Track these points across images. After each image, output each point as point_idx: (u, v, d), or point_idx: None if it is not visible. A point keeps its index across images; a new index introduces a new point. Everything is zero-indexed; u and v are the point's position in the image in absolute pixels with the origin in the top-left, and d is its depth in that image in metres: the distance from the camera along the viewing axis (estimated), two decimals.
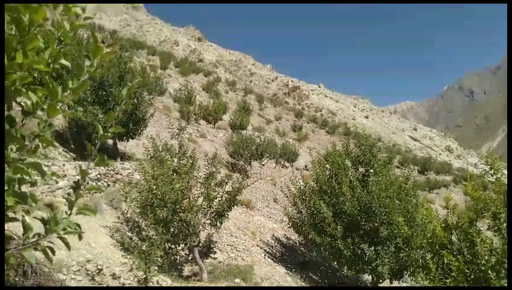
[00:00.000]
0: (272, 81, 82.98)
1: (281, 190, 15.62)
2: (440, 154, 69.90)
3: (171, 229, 6.57)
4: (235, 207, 8.31)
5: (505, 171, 6.98)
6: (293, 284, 7.33)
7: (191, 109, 23.39)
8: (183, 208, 6.59)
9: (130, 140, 12.11)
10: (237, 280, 6.52)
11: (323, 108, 72.65)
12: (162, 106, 23.89)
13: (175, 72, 43.11)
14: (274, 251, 9.86)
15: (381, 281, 8.81)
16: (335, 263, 9.80)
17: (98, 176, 8.78)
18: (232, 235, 9.22)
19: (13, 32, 1.14)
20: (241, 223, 10.64)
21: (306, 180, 10.64)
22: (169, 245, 6.74)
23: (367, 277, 10.01)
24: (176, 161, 7.25)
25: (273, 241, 10.60)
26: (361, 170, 9.46)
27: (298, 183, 10.09)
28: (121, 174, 9.55)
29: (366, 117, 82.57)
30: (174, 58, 51.92)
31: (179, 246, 6.94)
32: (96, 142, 1.53)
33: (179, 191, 6.54)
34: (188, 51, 73.12)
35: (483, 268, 5.57)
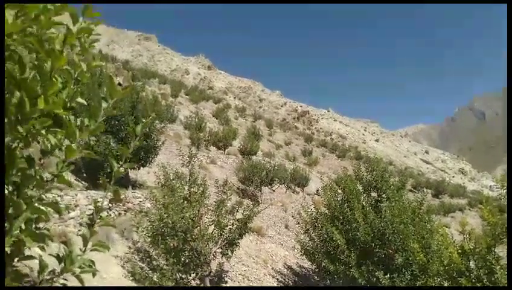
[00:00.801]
0: (281, 106, 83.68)
1: (292, 216, 15.44)
2: (453, 177, 68.74)
3: (182, 259, 6.51)
4: (246, 234, 8.23)
5: None
6: None
7: (201, 136, 23.61)
8: (194, 236, 6.55)
9: (141, 168, 12.21)
10: None
11: (333, 132, 72.62)
12: (173, 133, 24.18)
13: (185, 100, 43.85)
14: (287, 280, 9.66)
15: None
16: None
17: (109, 205, 8.82)
18: (243, 264, 9.08)
19: (34, 76, 1.20)
20: (252, 251, 10.50)
21: (317, 205, 10.52)
22: (180, 275, 6.66)
23: None
24: (186, 189, 7.27)
25: (285, 270, 10.39)
26: (373, 195, 9.34)
27: (309, 210, 9.98)
28: (132, 203, 9.59)
29: (377, 141, 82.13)
30: (184, 86, 52.95)
31: (190, 275, 6.85)
32: (111, 172, 1.57)
33: (190, 220, 6.52)
34: (198, 79, 74.55)
35: None
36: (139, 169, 12.23)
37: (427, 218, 8.63)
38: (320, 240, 9.13)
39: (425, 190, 40.04)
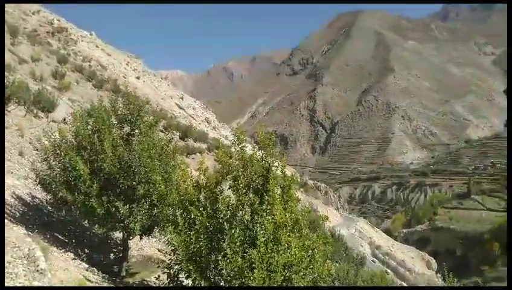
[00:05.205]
0: (33, 14, 68.95)
1: (30, 143, 13.62)
2: (200, 124, 76.74)
3: None
4: None
5: (248, 145, 8.50)
6: (34, 245, 6.61)
7: None
8: None
9: None
10: None
11: (92, 59, 66.09)
12: None
13: None
14: (13, 211, 8.57)
15: (131, 237, 9.14)
16: (86, 221, 9.46)
17: None
18: None
19: None
20: None
21: (63, 133, 9.58)
22: None
23: (118, 234, 10.17)
24: None
25: (12, 200, 9.17)
26: (126, 129, 9.35)
27: (53, 137, 9.01)
28: None
29: (138, 78, 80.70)
30: None
31: None
32: None
33: None
34: None
35: (220, 221, 6.68)
36: None
37: (172, 156, 9.46)
38: (61, 170, 8.48)
39: (174, 132, 43.27)
